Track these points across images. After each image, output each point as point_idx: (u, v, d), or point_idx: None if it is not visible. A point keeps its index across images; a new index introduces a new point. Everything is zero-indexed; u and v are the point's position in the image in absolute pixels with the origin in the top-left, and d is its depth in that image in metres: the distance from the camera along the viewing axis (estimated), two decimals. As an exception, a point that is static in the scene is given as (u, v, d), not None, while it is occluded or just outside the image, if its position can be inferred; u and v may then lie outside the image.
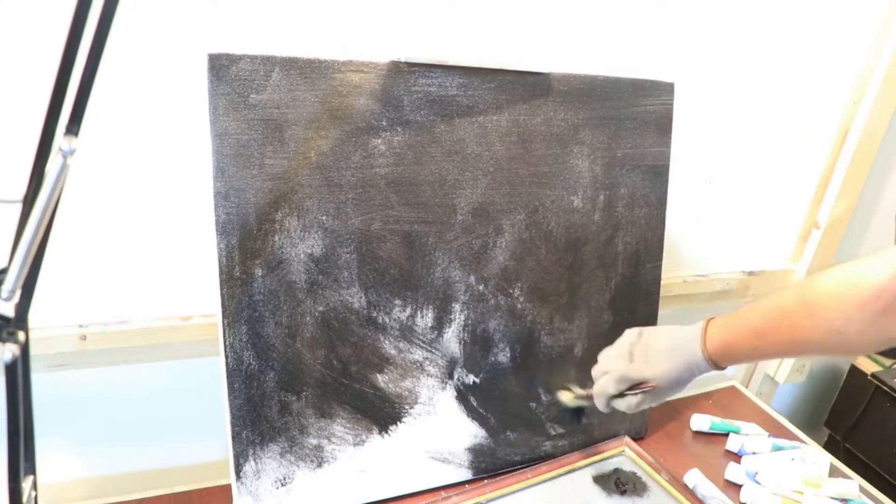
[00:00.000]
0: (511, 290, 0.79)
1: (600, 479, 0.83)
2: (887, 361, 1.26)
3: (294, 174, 0.65)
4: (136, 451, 0.82)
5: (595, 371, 0.72)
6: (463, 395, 0.79)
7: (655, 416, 0.98)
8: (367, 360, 0.72)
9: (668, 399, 0.68)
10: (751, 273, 1.16)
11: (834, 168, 1.13)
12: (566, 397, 0.78)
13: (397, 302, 0.73)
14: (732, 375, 1.29)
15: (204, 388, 0.80)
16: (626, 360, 0.67)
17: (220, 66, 0.61)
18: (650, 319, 0.90)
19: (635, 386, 0.67)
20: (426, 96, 0.70)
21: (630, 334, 0.70)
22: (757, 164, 1.09)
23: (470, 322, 0.77)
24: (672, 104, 0.85)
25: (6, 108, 0.61)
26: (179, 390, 0.81)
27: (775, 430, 1.01)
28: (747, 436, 0.96)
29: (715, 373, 0.65)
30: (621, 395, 0.68)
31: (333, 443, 0.72)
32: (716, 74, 0.97)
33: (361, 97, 0.67)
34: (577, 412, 0.79)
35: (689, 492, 0.81)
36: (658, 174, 0.86)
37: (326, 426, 0.72)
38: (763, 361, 1.15)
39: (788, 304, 0.57)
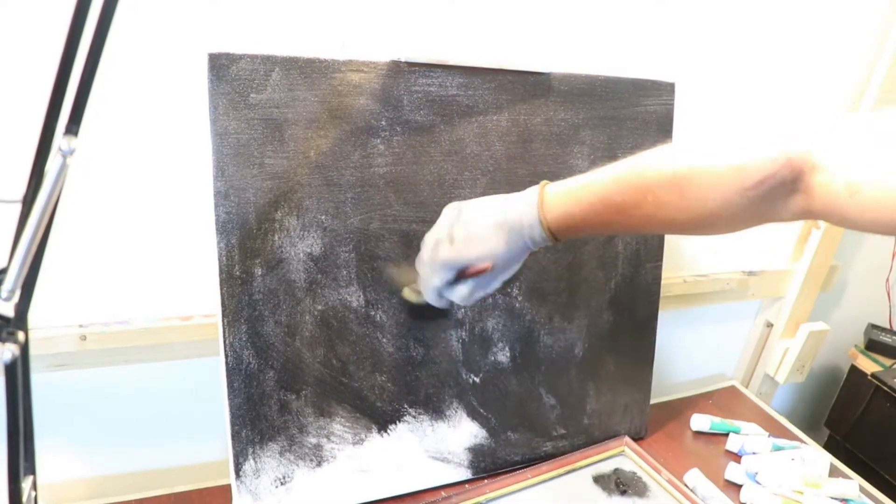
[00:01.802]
0: (509, 290, 0.79)
1: (600, 479, 0.83)
2: (887, 361, 1.26)
3: (294, 173, 0.65)
4: (136, 451, 0.82)
5: (417, 261, 0.62)
6: (462, 394, 0.79)
7: (655, 416, 0.98)
8: (365, 359, 0.72)
9: (504, 280, 0.60)
10: (751, 273, 1.16)
11: (834, 168, 1.13)
12: (409, 295, 0.71)
13: (395, 301, 0.73)
14: (732, 375, 1.29)
15: (204, 388, 0.80)
16: (447, 243, 0.58)
17: (221, 65, 0.61)
18: (650, 320, 0.90)
19: (463, 272, 0.58)
20: (426, 96, 0.70)
21: (449, 212, 0.60)
22: (757, 163, 1.09)
23: (468, 321, 0.77)
24: (673, 104, 0.85)
25: (6, 108, 0.61)
26: (179, 390, 0.81)
27: (775, 430, 1.01)
28: (747, 436, 0.96)
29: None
30: (451, 284, 0.59)
31: (333, 442, 0.72)
32: (716, 74, 0.97)
33: (361, 97, 0.67)
34: (423, 308, 0.70)
35: (689, 492, 0.81)
36: (658, 174, 0.86)
37: (326, 425, 0.72)
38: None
39: (653, 176, 0.49)
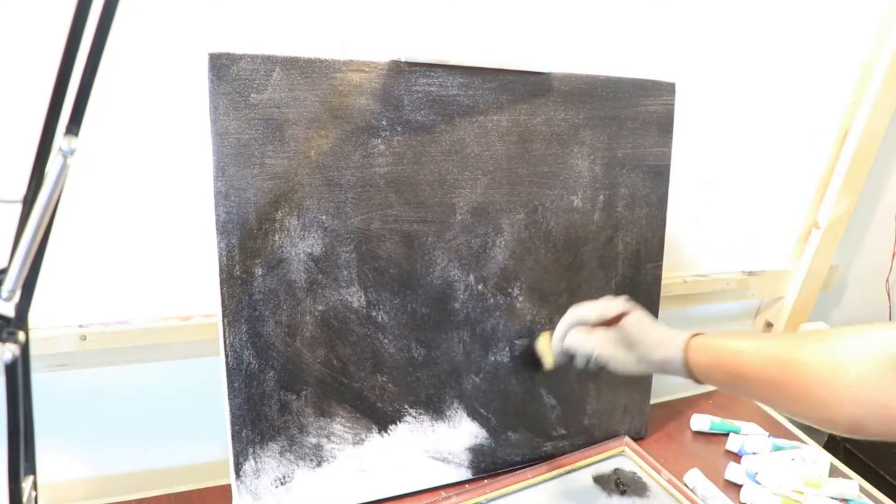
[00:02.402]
0: (510, 290, 0.79)
1: (600, 479, 0.83)
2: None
3: (294, 173, 0.65)
4: (136, 451, 0.82)
5: (581, 337, 0.68)
6: (463, 395, 0.79)
7: (655, 416, 0.98)
8: (366, 360, 0.72)
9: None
10: (751, 273, 1.16)
11: (834, 168, 1.13)
12: (544, 345, 0.74)
13: (397, 301, 0.73)
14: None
15: (204, 388, 0.80)
16: (624, 348, 0.65)
17: (221, 65, 0.61)
18: (650, 319, 0.90)
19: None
20: (426, 96, 0.70)
21: (631, 322, 0.66)
22: (757, 164, 1.09)
23: (469, 322, 0.77)
24: (673, 104, 0.85)
25: (6, 108, 0.61)
26: (179, 390, 0.81)
27: (775, 430, 1.01)
28: (747, 436, 0.96)
29: (686, 380, 0.63)
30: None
31: (333, 442, 0.72)
32: (717, 74, 0.97)
33: (362, 97, 0.67)
34: (537, 362, 0.75)
35: (689, 492, 0.81)
36: (659, 174, 0.86)
37: (326, 425, 0.72)
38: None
39: (810, 372, 0.50)
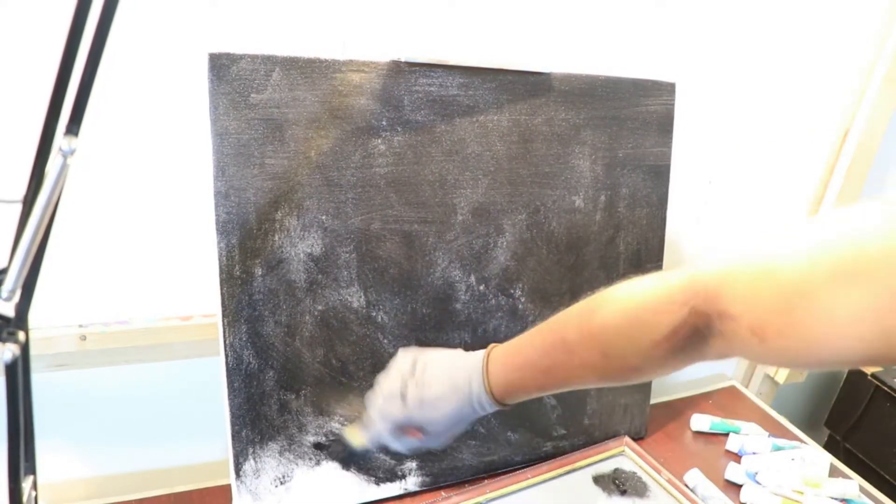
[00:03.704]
0: (512, 291, 0.79)
1: (600, 479, 0.83)
2: (887, 361, 1.26)
3: (294, 174, 0.65)
4: (136, 451, 0.82)
5: (369, 403, 0.61)
6: (463, 395, 0.79)
7: (655, 416, 0.98)
8: (366, 359, 0.72)
9: (454, 435, 0.60)
10: (751, 273, 1.15)
11: (834, 168, 1.13)
12: (352, 435, 0.65)
13: (397, 301, 0.73)
14: (732, 375, 1.29)
15: (204, 388, 0.80)
16: (399, 402, 0.57)
17: (221, 65, 0.61)
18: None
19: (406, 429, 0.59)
20: (427, 96, 0.70)
21: (403, 364, 0.59)
22: (757, 163, 1.09)
23: (471, 322, 0.77)
24: (673, 104, 0.85)
25: (6, 108, 0.61)
26: (179, 390, 0.81)
27: (775, 430, 1.01)
28: (747, 436, 0.96)
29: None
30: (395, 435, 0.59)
31: (332, 441, 0.72)
32: (717, 74, 0.97)
33: (362, 97, 0.67)
34: (358, 452, 0.66)
35: (689, 492, 0.81)
36: (659, 174, 0.86)
37: (325, 424, 0.72)
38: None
39: (573, 338, 0.50)
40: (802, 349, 0.38)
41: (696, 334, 0.44)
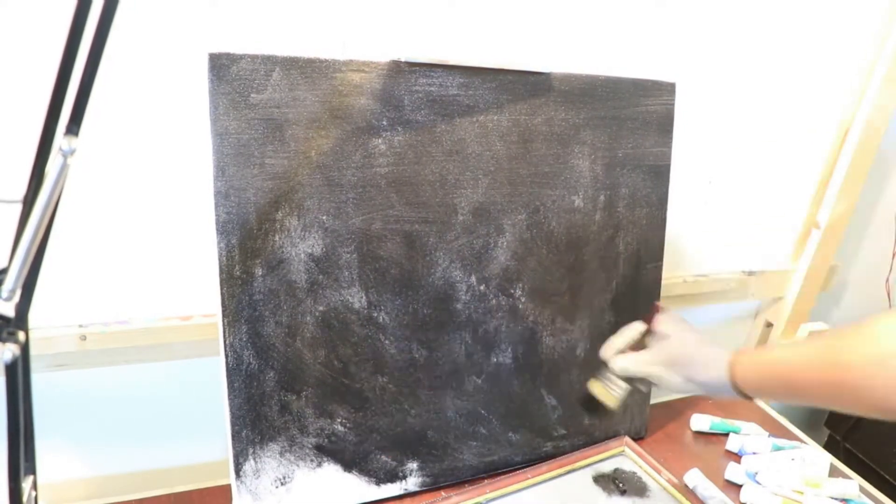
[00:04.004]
0: (512, 291, 0.79)
1: (600, 479, 0.83)
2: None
3: (294, 174, 0.65)
4: (136, 451, 0.82)
5: (632, 360, 0.70)
6: (464, 395, 0.79)
7: (655, 416, 0.98)
8: (367, 360, 0.72)
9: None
10: (751, 273, 1.16)
11: (834, 168, 1.13)
12: (599, 390, 0.74)
13: (398, 302, 0.73)
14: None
15: (204, 388, 0.80)
16: (670, 368, 0.67)
17: (221, 65, 0.61)
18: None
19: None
20: (427, 96, 0.70)
21: (674, 344, 0.68)
22: (757, 164, 1.09)
23: (471, 322, 0.77)
24: (673, 104, 0.85)
25: (6, 108, 0.61)
26: (179, 390, 0.81)
27: (775, 430, 1.01)
28: (747, 436, 0.96)
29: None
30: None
31: (333, 442, 0.72)
32: (717, 74, 0.97)
33: (362, 97, 0.67)
34: (598, 407, 0.75)
35: (689, 492, 0.81)
36: (659, 174, 0.86)
37: (326, 426, 0.72)
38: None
39: (856, 363, 0.50)
40: None
41: None
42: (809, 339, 0.58)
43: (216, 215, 0.63)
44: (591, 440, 0.88)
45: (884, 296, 1.38)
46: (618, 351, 0.72)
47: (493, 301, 0.78)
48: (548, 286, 0.81)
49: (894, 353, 0.47)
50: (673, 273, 1.08)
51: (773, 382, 0.58)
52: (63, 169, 0.40)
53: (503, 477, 0.80)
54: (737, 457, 0.94)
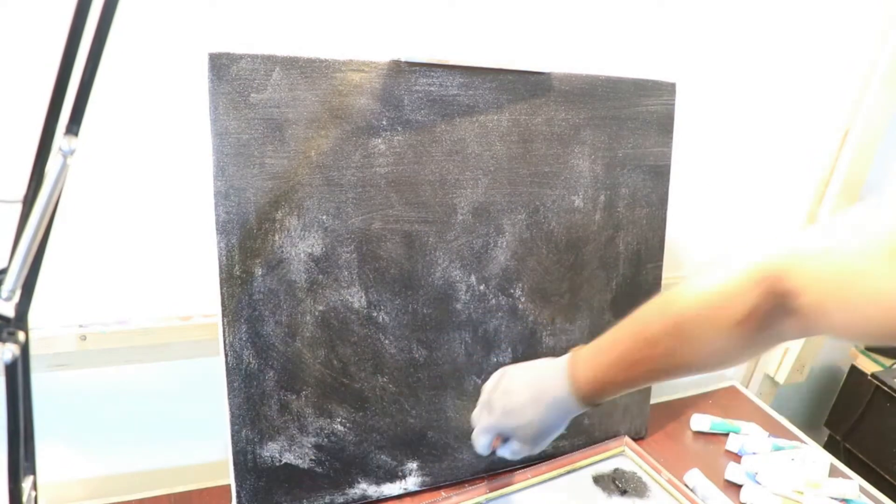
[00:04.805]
0: (512, 291, 0.79)
1: (600, 479, 0.83)
2: (887, 361, 1.26)
3: (294, 173, 0.65)
4: (136, 451, 0.82)
5: (473, 413, 0.67)
6: (464, 396, 0.79)
7: (655, 416, 0.98)
8: (367, 360, 0.72)
9: (552, 439, 0.62)
10: (751, 273, 1.15)
11: (834, 168, 1.13)
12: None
13: (398, 301, 0.73)
14: (732, 375, 1.29)
15: (204, 388, 0.80)
16: (486, 411, 0.63)
17: (221, 65, 0.61)
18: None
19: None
20: (427, 96, 0.70)
21: (491, 380, 0.65)
22: (757, 164, 1.09)
23: (471, 322, 0.77)
24: (674, 104, 0.85)
25: (6, 108, 0.61)
26: (179, 390, 0.81)
27: (775, 430, 1.01)
28: (747, 436, 0.96)
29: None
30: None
31: (333, 442, 0.72)
32: (717, 74, 0.97)
33: (362, 96, 0.67)
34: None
35: (689, 492, 0.81)
36: (659, 174, 0.86)
37: (326, 425, 0.72)
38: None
39: (655, 329, 0.53)
40: (862, 324, 0.42)
41: (772, 314, 0.47)
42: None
43: (216, 215, 0.63)
44: (591, 440, 0.88)
45: (884, 296, 1.37)
46: (480, 444, 0.65)
47: (493, 301, 0.78)
48: (548, 286, 0.81)
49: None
50: (673, 273, 1.08)
51: (614, 356, 0.56)
52: (63, 169, 0.40)
53: (503, 477, 0.80)
54: (737, 457, 0.94)
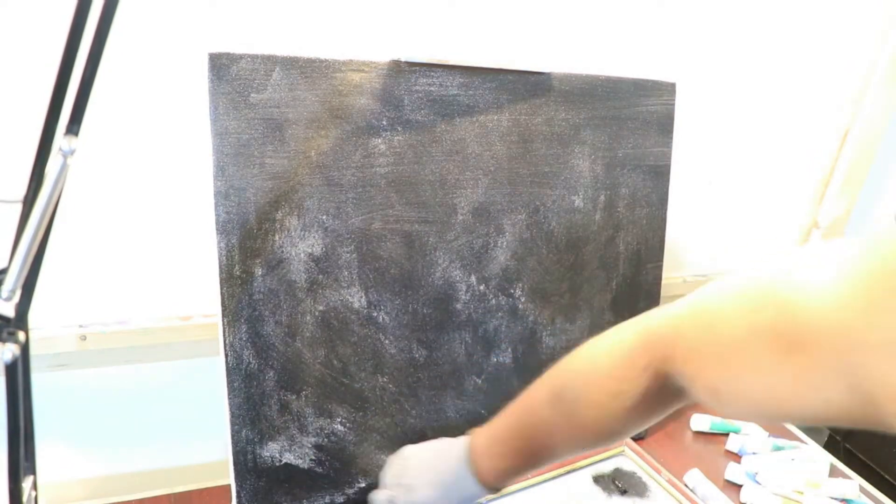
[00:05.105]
0: (512, 291, 0.79)
1: (600, 479, 0.83)
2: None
3: (294, 173, 0.65)
4: (136, 451, 0.82)
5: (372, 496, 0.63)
6: (465, 396, 0.79)
7: (655, 416, 0.98)
8: (367, 360, 0.72)
9: None
10: (751, 273, 1.16)
11: (834, 168, 1.13)
12: None
13: (398, 301, 0.73)
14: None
15: (204, 388, 0.80)
16: (388, 490, 0.60)
17: (221, 65, 0.61)
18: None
19: None
20: (427, 96, 0.70)
21: (389, 472, 0.61)
22: (757, 164, 1.09)
23: (471, 322, 0.77)
24: (673, 104, 0.85)
25: (6, 108, 0.61)
26: (179, 390, 0.81)
27: (775, 430, 1.01)
28: (747, 436, 0.96)
29: None
30: None
31: (333, 442, 0.72)
32: (717, 74, 0.97)
33: (362, 96, 0.67)
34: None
35: (689, 492, 0.81)
36: (659, 174, 0.86)
37: (326, 425, 0.72)
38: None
39: (547, 415, 0.49)
40: (757, 412, 0.38)
41: (665, 392, 0.43)
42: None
43: (216, 215, 0.63)
44: (591, 440, 0.88)
45: (884, 296, 1.37)
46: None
47: (493, 301, 0.78)
48: (548, 286, 0.81)
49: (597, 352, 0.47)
50: (673, 273, 1.08)
51: (511, 429, 0.52)
52: (63, 169, 0.40)
53: (503, 477, 0.80)
54: (737, 457, 0.94)
